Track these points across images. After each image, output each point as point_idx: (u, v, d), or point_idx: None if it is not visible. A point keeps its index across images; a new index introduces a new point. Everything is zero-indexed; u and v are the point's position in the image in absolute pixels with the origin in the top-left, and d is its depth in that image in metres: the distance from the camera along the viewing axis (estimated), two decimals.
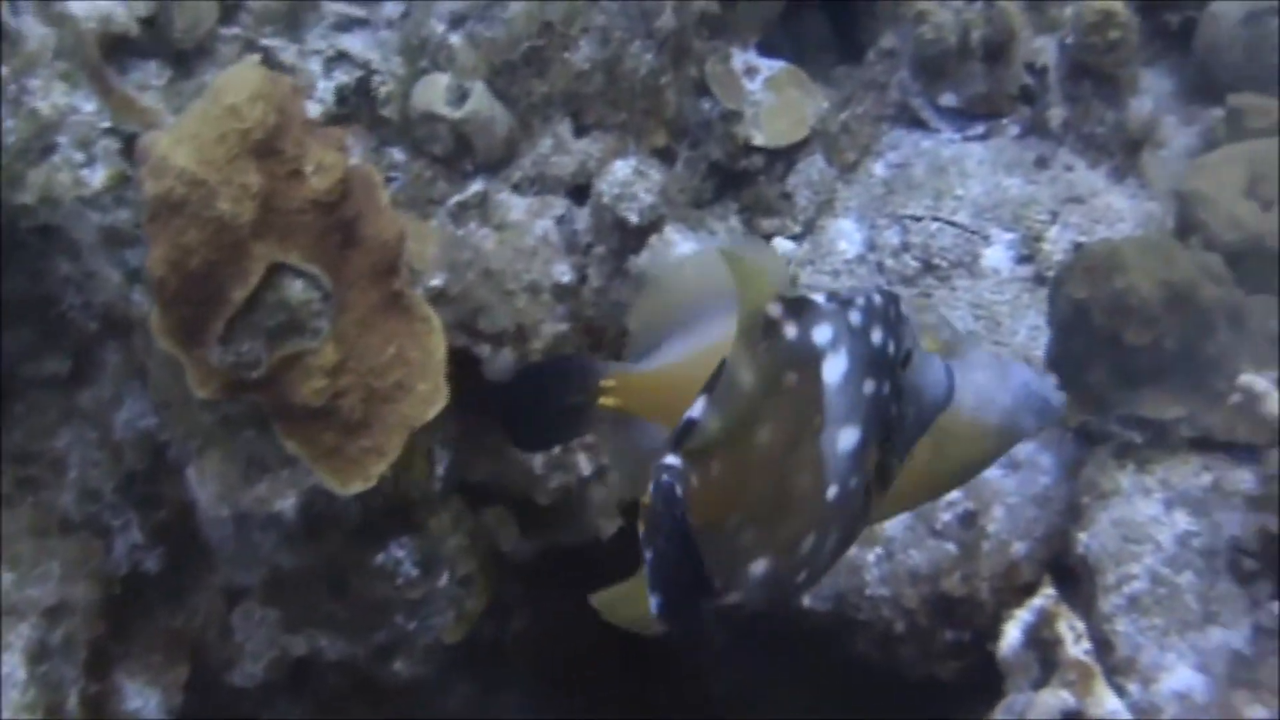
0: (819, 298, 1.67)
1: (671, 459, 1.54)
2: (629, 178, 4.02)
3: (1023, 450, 4.18)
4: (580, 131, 4.30)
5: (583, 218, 4.03)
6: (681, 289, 2.02)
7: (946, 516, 4.10)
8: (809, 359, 1.62)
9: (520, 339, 3.80)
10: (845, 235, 4.56)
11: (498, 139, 4.17)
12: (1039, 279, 4.40)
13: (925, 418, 1.79)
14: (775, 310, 1.61)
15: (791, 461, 1.63)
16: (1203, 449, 3.97)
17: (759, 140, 4.59)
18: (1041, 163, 4.58)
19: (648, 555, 1.51)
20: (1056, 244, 4.44)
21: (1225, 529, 3.78)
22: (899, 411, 1.72)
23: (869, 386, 1.66)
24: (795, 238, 4.60)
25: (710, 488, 1.57)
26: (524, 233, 3.92)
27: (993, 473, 4.11)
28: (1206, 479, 3.93)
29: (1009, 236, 4.46)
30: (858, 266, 4.50)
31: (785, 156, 4.66)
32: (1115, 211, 4.48)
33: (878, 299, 1.69)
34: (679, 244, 4.24)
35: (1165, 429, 3.97)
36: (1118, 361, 3.93)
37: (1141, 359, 3.91)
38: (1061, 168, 4.57)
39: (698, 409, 1.57)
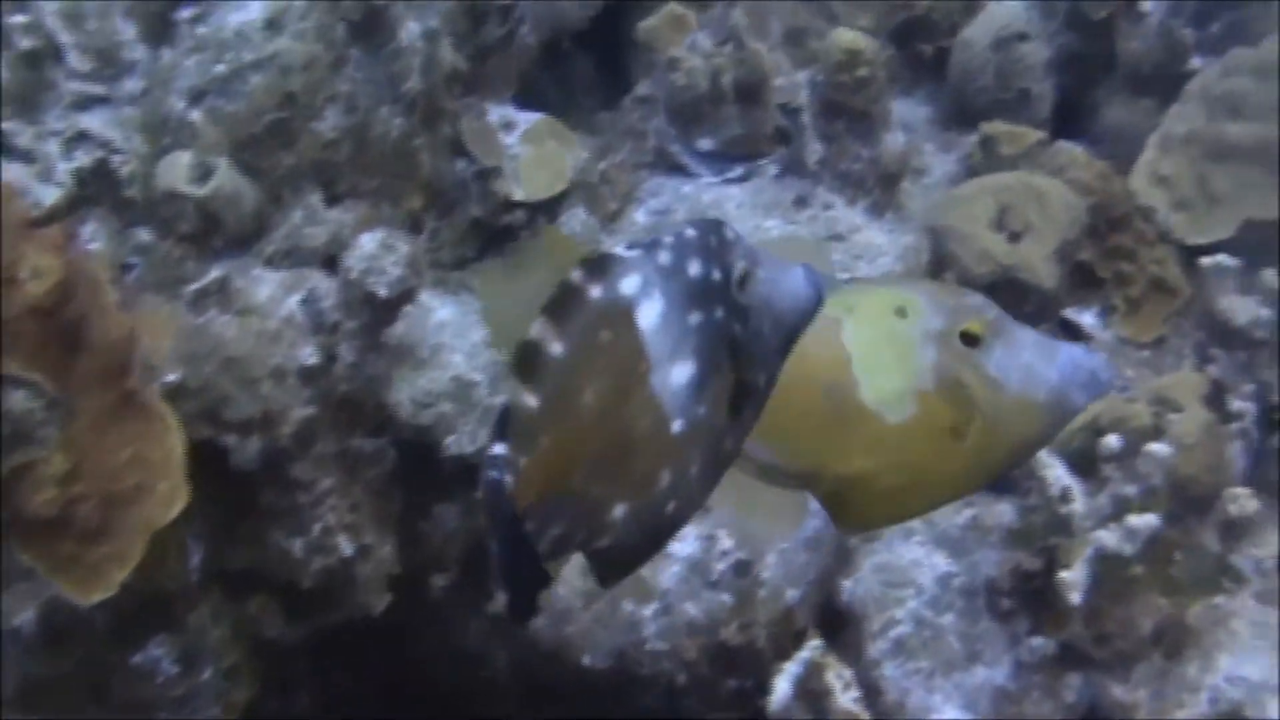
0: (620, 249, 1.69)
1: (496, 449, 1.60)
2: (376, 251, 3.97)
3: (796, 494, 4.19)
4: (332, 201, 4.24)
5: (332, 293, 3.97)
6: None
7: (721, 567, 4.11)
8: (620, 312, 1.64)
9: (267, 426, 3.75)
10: None
11: (246, 214, 4.11)
12: None
13: (789, 326, 1.78)
14: (576, 276, 1.63)
15: (626, 411, 1.66)
16: None
17: (519, 195, 4.56)
18: (800, 202, 4.60)
19: (491, 552, 1.59)
20: None
21: (983, 568, 3.83)
22: (747, 330, 1.73)
23: (695, 318, 1.68)
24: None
25: (544, 462, 1.61)
26: (267, 316, 3.86)
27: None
28: (968, 514, 3.98)
29: None
30: None
31: (547, 209, 4.63)
32: (876, 247, 4.52)
33: (690, 232, 1.70)
34: (437, 310, 4.21)
35: None
36: None
37: None
38: (820, 206, 4.60)
39: (512, 393, 1.60)
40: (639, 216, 4.68)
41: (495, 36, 4.62)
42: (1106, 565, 3.61)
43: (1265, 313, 4.27)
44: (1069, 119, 5.19)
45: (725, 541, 4.14)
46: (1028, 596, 3.73)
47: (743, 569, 4.12)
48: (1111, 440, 3.70)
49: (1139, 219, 4.56)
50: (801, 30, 5.08)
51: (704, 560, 4.13)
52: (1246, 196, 4.52)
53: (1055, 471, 3.74)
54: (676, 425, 1.68)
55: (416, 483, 4.20)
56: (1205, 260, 4.40)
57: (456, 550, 4.30)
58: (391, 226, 4.25)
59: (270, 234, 4.18)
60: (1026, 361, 2.00)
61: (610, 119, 4.99)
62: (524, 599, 1.63)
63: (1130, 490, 3.66)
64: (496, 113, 4.64)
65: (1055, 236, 4.32)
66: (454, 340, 4.14)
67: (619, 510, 1.68)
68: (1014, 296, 4.29)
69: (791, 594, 4.09)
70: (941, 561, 3.88)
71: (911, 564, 3.88)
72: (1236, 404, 4.07)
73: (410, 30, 4.30)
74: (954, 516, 3.95)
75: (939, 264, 4.35)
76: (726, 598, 4.11)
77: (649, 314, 1.65)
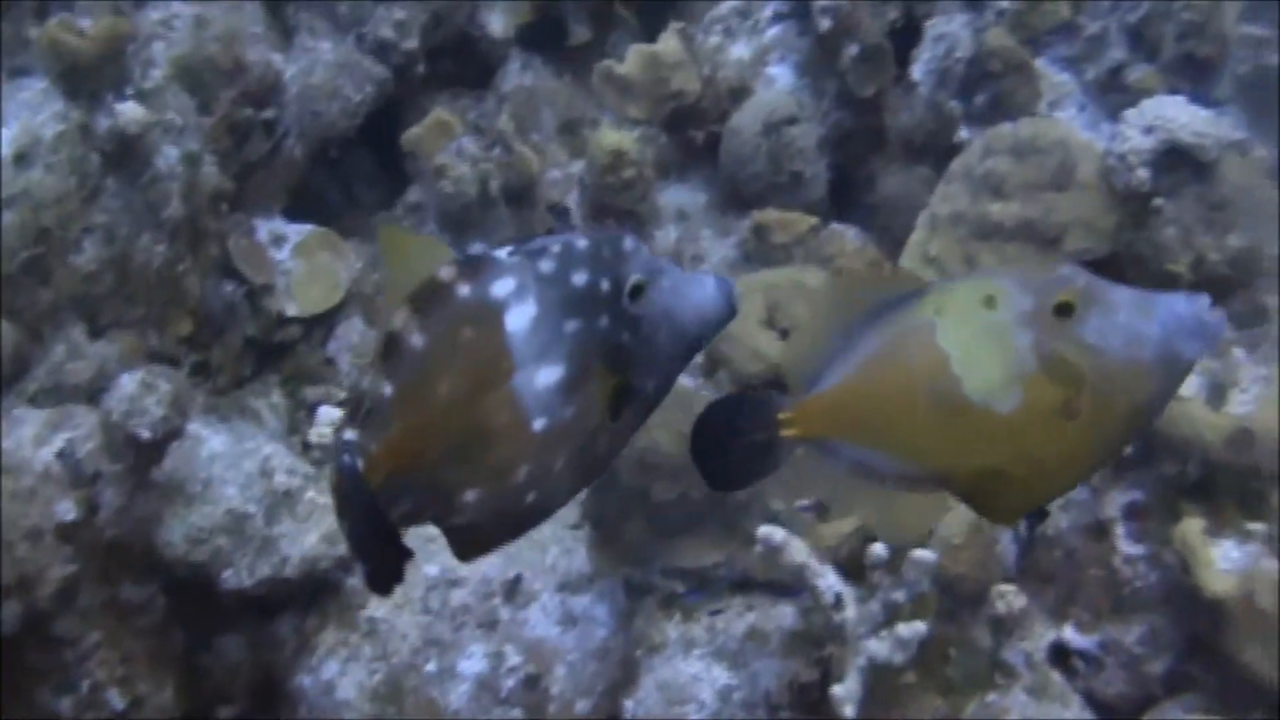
0: (501, 252, 1.78)
1: (348, 434, 1.73)
2: (137, 391, 3.90)
3: (579, 604, 4.20)
4: (96, 333, 4.17)
5: (94, 437, 3.89)
6: (828, 314, 2.10)
7: (510, 683, 4.11)
8: (487, 313, 1.73)
9: (25, 589, 3.66)
10: None
11: (4, 354, 4.01)
12: None
13: (692, 335, 1.87)
14: (447, 273, 1.72)
15: (483, 406, 1.74)
16: (744, 589, 4.04)
17: (293, 311, 4.51)
18: None
19: (344, 532, 1.72)
20: None
21: (762, 680, 3.86)
22: (637, 338, 1.80)
23: (571, 325, 1.76)
24: (342, 403, 4.54)
25: (396, 445, 1.72)
26: (21, 474, 3.77)
27: (551, 630, 4.15)
28: (750, 619, 4.00)
29: None
30: None
31: (323, 322, 4.59)
32: None
33: (580, 244, 1.79)
34: (209, 440, 4.15)
35: (706, 575, 4.02)
36: (651, 516, 3.98)
37: (673, 512, 3.96)
38: None
39: (369, 380, 1.74)
40: None
41: (260, 152, 4.57)
42: (878, 675, 3.65)
43: None
44: (847, 191, 5.25)
45: (514, 657, 4.13)
46: (805, 710, 3.76)
47: (531, 682, 4.12)
48: (877, 548, 3.74)
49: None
50: (575, 120, 5.09)
51: (492, 677, 4.11)
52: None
53: (827, 579, 3.78)
54: (538, 424, 1.77)
55: (196, 619, 4.14)
56: None
57: (243, 680, 4.24)
58: (160, 355, 4.18)
59: (32, 371, 4.10)
60: (1125, 322, 1.99)
61: (387, 218, 4.96)
62: (382, 571, 1.74)
63: (899, 596, 3.70)
64: (265, 228, 4.59)
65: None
66: (226, 472, 4.08)
67: (470, 495, 1.77)
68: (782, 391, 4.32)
69: (581, 705, 4.10)
70: (722, 674, 3.90)
71: (692, 679, 3.90)
72: None
73: (168, 156, 4.24)
74: (734, 623, 3.97)
75: (712, 365, 4.37)
76: (517, 713, 4.10)
77: (519, 317, 1.75)
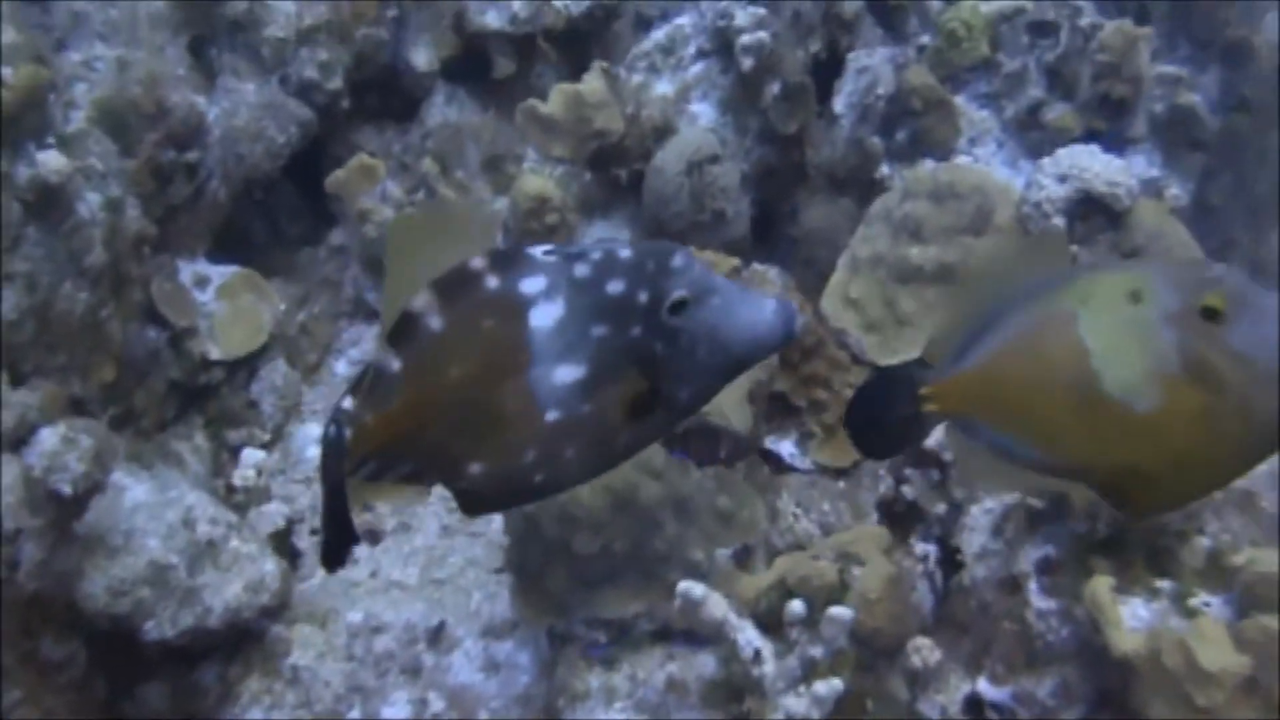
0: (538, 251, 1.87)
1: (346, 403, 1.85)
2: (58, 446, 3.89)
3: (502, 651, 4.24)
4: (18, 381, 4.14)
5: (14, 493, 3.87)
6: (976, 292, 2.14)
7: None
8: (511, 307, 1.83)
9: None
10: (313, 441, 4.54)
11: None
12: None
13: (737, 354, 1.92)
14: (478, 263, 1.81)
15: (496, 391, 1.83)
16: (665, 639, 4.09)
17: (216, 354, 4.51)
18: None
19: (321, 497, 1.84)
20: None
21: None
22: (674, 349, 1.88)
23: (600, 330, 1.85)
24: (265, 446, 4.55)
25: (395, 418, 1.82)
26: None
27: (474, 677, 4.19)
28: (671, 669, 4.05)
29: None
30: None
31: (246, 365, 4.59)
32: None
33: (623, 254, 1.87)
34: (130, 490, 4.14)
35: (627, 625, 4.07)
36: (573, 567, 4.02)
37: (595, 563, 4.01)
38: None
39: (380, 355, 1.83)
40: (339, 367, 4.67)
41: (183, 195, 4.57)
42: None
43: None
44: (770, 225, 5.30)
45: (437, 703, 4.17)
46: None
47: None
48: (795, 606, 3.80)
49: (832, 345, 4.68)
50: (500, 157, 5.10)
51: None
52: (932, 316, 4.66)
53: (746, 634, 3.83)
54: (551, 415, 1.86)
55: (118, 669, 4.14)
56: None
57: None
58: (82, 403, 4.17)
59: None
60: (1274, 331, 1.95)
61: (311, 255, 4.96)
62: (336, 547, 1.88)
63: (817, 652, 3.76)
64: (189, 270, 4.59)
65: (746, 380, 4.41)
66: (148, 524, 4.08)
67: (476, 467, 1.87)
68: (708, 442, 4.38)
69: None
70: None
71: None
72: (919, 547, 4.21)
73: (90, 202, 4.22)
74: (655, 674, 4.02)
75: None
76: None
77: (544, 315, 1.84)
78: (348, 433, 1.84)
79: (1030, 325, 2.05)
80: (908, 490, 4.47)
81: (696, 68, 5.24)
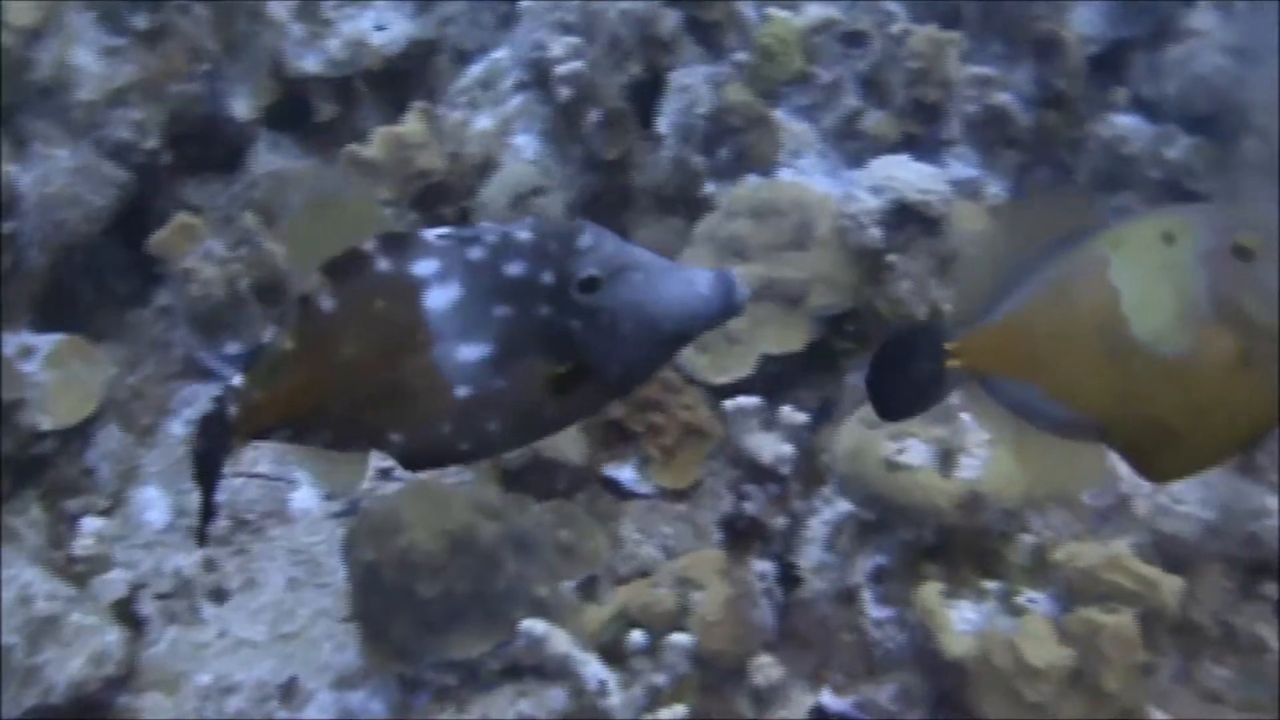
0: (431, 234, 1.90)
1: (236, 380, 1.91)
2: None
3: (355, 700, 4.25)
4: None
5: None
6: (994, 249, 2.08)
7: None
8: (404, 288, 1.86)
9: None
10: (152, 504, 4.52)
11: None
12: (350, 510, 4.46)
13: (666, 328, 1.90)
14: (369, 245, 1.86)
15: (399, 369, 1.87)
16: (514, 676, 4.12)
17: (48, 424, 4.47)
18: None
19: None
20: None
21: None
22: (593, 327, 1.89)
23: (502, 311, 1.87)
24: (104, 512, 4.52)
25: (286, 396, 1.88)
26: None
27: None
28: (523, 705, 4.09)
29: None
30: (169, 535, 4.47)
31: (80, 433, 4.56)
32: None
33: (520, 236, 1.89)
34: None
35: (476, 666, 4.10)
36: (417, 613, 4.04)
37: (438, 607, 4.03)
38: None
39: (268, 334, 1.89)
40: (175, 428, 4.65)
41: (2, 266, 4.51)
42: None
43: (787, 448, 4.49)
44: None
45: None
46: None
47: None
48: (636, 636, 3.86)
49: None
50: None
51: None
52: (762, 334, 4.73)
53: (591, 667, 3.88)
54: (462, 391, 1.89)
55: None
56: (728, 403, 4.58)
57: None
58: None
59: None
60: None
61: (139, 317, 4.93)
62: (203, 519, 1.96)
63: (660, 679, 3.82)
64: (13, 342, 4.55)
65: None
66: None
67: (396, 436, 1.92)
68: (544, 475, 4.42)
69: None
70: None
71: None
72: (758, 566, 4.28)
73: None
74: (507, 712, 4.05)
75: None
76: None
77: (439, 297, 1.87)
78: (233, 409, 1.89)
79: (1061, 273, 1.99)
80: (749, 506, 4.54)
81: (516, 100, 5.28)
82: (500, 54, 5.35)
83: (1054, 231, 2.02)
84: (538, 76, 5.25)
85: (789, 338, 4.74)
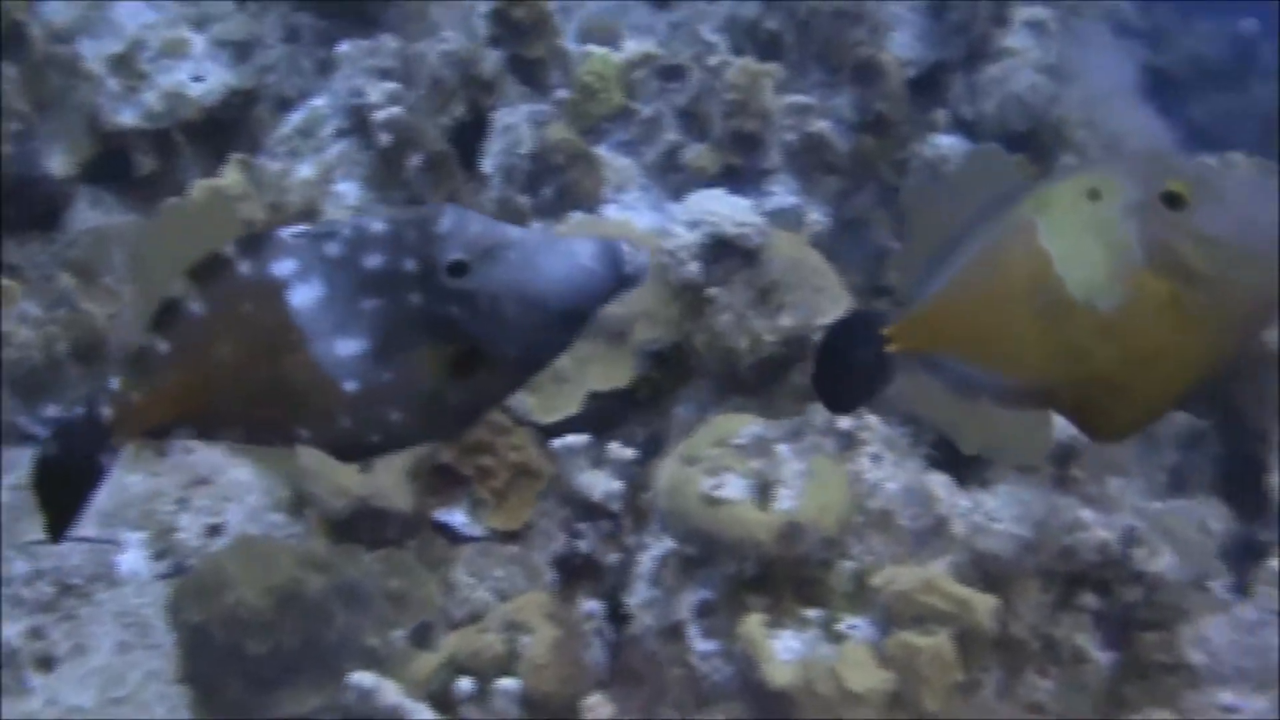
0: (285, 233, 1.89)
1: (111, 382, 1.89)
2: None
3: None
4: None
5: None
6: (927, 228, 2.06)
7: None
8: (267, 289, 1.86)
9: None
10: None
11: None
12: (179, 570, 4.43)
13: (552, 304, 1.87)
14: (229, 249, 1.85)
15: (279, 368, 1.86)
16: None
17: None
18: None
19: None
20: (189, 531, 4.47)
21: None
22: (472, 310, 1.87)
23: (370, 303, 1.87)
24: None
25: (165, 397, 1.88)
26: None
27: None
28: None
29: (139, 536, 4.47)
30: None
31: None
32: (243, 485, 4.56)
33: (375, 228, 1.88)
34: None
35: None
36: (249, 671, 4.03)
37: (269, 664, 4.02)
38: (183, 451, 4.61)
39: (145, 338, 1.87)
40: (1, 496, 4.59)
41: None
42: None
43: (617, 485, 4.53)
44: None
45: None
46: None
47: None
48: (463, 684, 3.88)
49: (495, 410, 4.75)
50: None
51: None
52: (588, 372, 4.77)
53: (421, 716, 3.89)
54: (349, 386, 1.89)
55: None
56: (557, 442, 4.62)
57: None
58: None
59: None
60: (1240, 209, 1.88)
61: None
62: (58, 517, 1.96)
63: None
64: None
65: (408, 457, 4.45)
66: None
67: (303, 432, 1.92)
68: (375, 524, 4.42)
69: None
70: None
71: None
72: (586, 605, 4.31)
73: None
74: None
75: (299, 504, 4.43)
76: None
77: (303, 295, 1.87)
78: (107, 410, 1.88)
79: (988, 243, 1.98)
80: (582, 545, 4.58)
81: (336, 148, 5.28)
82: (320, 101, 5.35)
83: (982, 191, 2.03)
84: (358, 123, 5.25)
85: (614, 374, 4.78)
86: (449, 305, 1.89)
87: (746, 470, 3.99)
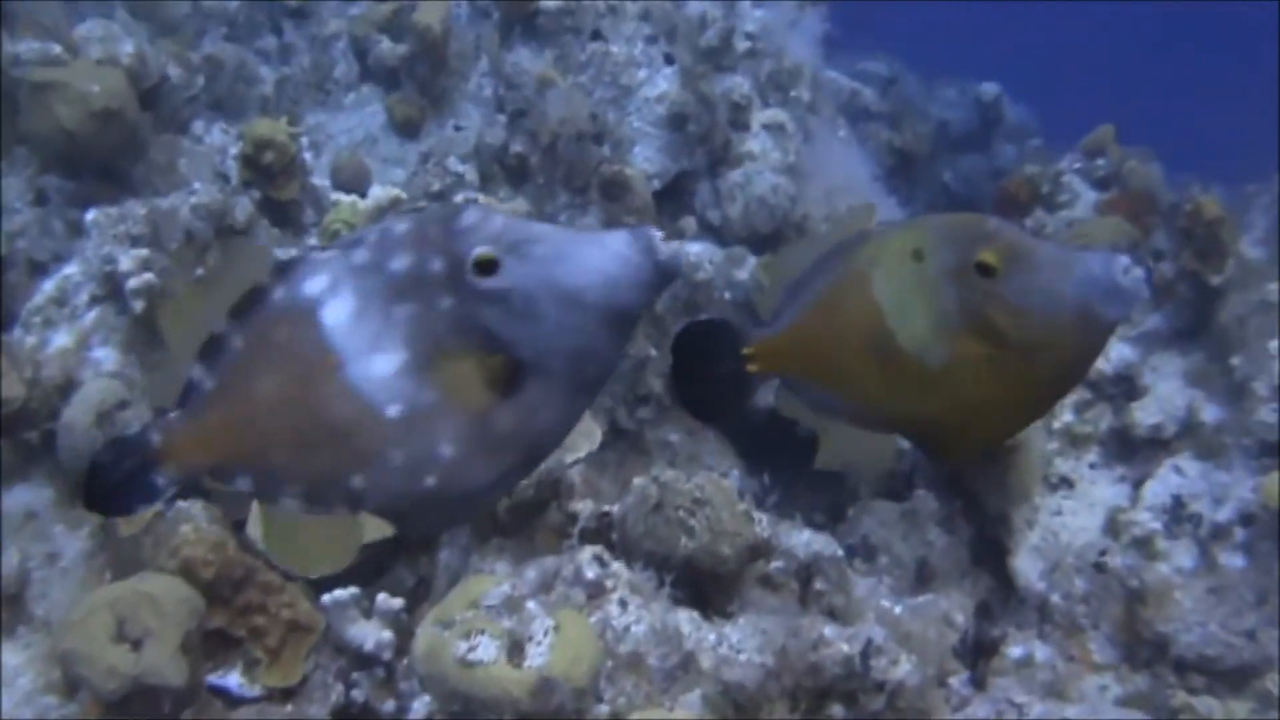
0: (317, 250, 1.84)
1: (173, 414, 1.86)
2: None
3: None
4: None
5: None
6: (793, 258, 2.18)
7: None
8: (300, 312, 1.81)
9: None
10: None
11: None
12: None
13: (592, 301, 1.79)
14: (266, 280, 1.83)
15: (319, 398, 1.80)
16: None
17: None
18: None
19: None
20: None
21: None
22: (506, 312, 1.78)
23: (403, 310, 1.79)
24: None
25: (208, 432, 1.84)
26: None
27: None
28: None
29: None
30: None
31: None
32: (13, 669, 4.62)
33: (399, 226, 1.81)
34: None
35: None
36: None
37: None
38: None
39: (196, 371, 1.84)
40: None
41: None
42: None
43: (387, 634, 4.68)
44: None
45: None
46: None
47: None
48: None
49: (263, 568, 4.86)
50: None
51: None
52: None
53: None
54: (392, 410, 1.82)
55: None
56: (326, 596, 4.74)
57: None
58: None
59: None
60: (1046, 282, 2.06)
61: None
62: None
63: None
64: None
65: (177, 632, 4.54)
66: None
67: (357, 481, 1.86)
68: (148, 702, 4.51)
69: None
70: None
71: None
72: None
73: None
74: None
75: (72, 685, 4.51)
76: None
77: (336, 312, 1.82)
78: (156, 435, 1.87)
79: (831, 284, 2.18)
80: (357, 694, 4.71)
81: (91, 314, 5.35)
82: (71, 269, 5.41)
83: (838, 235, 2.24)
84: (111, 289, 5.32)
85: (380, 524, 4.92)
86: (482, 308, 1.81)
87: (497, 632, 4.16)
